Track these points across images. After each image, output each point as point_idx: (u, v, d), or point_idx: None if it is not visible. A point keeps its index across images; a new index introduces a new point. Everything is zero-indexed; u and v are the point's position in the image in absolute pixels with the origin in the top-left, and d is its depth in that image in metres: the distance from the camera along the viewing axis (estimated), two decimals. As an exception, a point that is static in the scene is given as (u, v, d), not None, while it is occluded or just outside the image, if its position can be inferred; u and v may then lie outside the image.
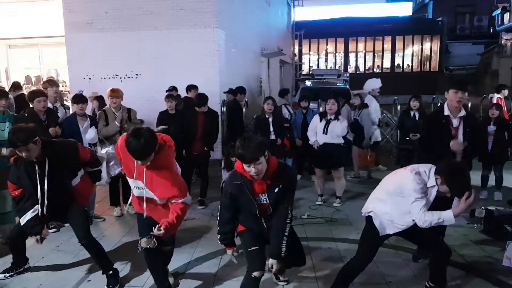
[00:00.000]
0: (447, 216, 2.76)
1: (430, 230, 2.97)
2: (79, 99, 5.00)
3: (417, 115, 6.40)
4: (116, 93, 5.19)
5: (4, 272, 3.70)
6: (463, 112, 3.68)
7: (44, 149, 3.32)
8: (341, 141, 5.57)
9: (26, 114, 4.64)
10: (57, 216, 3.74)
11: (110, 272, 3.59)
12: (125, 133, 3.09)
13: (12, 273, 3.71)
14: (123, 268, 3.89)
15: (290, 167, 3.17)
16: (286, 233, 2.88)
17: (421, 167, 2.92)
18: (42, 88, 5.31)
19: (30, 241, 4.52)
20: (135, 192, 3.13)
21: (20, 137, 3.16)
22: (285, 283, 3.54)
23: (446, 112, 3.71)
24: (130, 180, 3.09)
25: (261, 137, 3.05)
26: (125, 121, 5.20)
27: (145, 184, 2.97)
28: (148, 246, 3.04)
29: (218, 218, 3.12)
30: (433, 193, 2.85)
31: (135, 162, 2.87)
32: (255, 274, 2.86)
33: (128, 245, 4.39)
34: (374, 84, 7.53)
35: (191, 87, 7.23)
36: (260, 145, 2.69)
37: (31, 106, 4.66)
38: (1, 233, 4.51)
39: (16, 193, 3.50)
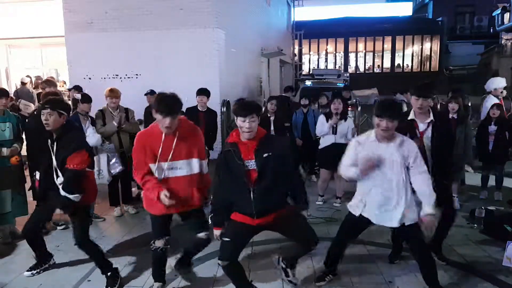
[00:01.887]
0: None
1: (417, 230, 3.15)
2: (88, 98, 5.03)
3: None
4: (114, 93, 5.22)
5: (30, 269, 3.77)
6: (431, 117, 3.58)
7: (61, 128, 3.40)
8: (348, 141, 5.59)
9: (35, 113, 4.75)
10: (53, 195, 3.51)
11: (109, 273, 3.58)
12: (140, 132, 3.22)
13: (39, 270, 3.79)
14: (123, 268, 3.89)
15: (280, 137, 3.20)
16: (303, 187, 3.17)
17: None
18: (40, 88, 5.38)
19: (30, 241, 4.54)
20: (163, 174, 3.11)
21: (50, 101, 3.41)
22: (294, 285, 3.43)
23: (411, 116, 3.65)
24: (162, 165, 3.09)
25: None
26: (123, 121, 5.22)
27: (173, 154, 3.08)
28: (164, 247, 3.26)
29: (211, 197, 3.20)
30: (374, 147, 3.09)
31: (172, 144, 3.06)
32: (219, 262, 3.03)
33: (128, 245, 4.39)
34: (497, 83, 6.94)
35: (289, 88, 7.79)
36: (258, 106, 2.96)
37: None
38: (1, 233, 4.51)
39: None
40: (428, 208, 3.04)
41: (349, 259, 3.79)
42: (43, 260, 3.86)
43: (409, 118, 3.64)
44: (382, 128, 2.96)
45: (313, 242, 3.09)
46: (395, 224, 3.15)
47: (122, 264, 3.97)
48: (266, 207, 2.96)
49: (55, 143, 3.42)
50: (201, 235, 3.32)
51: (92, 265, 3.92)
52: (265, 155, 2.87)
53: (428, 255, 3.24)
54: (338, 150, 5.45)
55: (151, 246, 3.28)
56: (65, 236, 4.68)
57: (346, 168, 3.24)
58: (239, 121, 2.86)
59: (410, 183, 3.11)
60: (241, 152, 2.90)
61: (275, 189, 2.95)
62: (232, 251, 3.03)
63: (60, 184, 3.38)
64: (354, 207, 3.31)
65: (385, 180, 3.08)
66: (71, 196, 3.33)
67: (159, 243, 3.24)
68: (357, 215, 3.27)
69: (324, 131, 5.54)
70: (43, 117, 3.37)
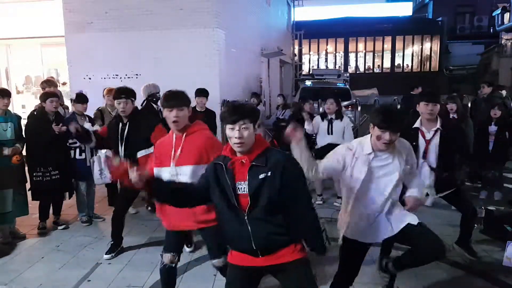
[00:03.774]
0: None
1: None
2: (82, 98, 5.04)
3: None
4: (112, 93, 5.26)
5: (108, 253, 4.11)
6: (438, 125, 3.56)
7: (131, 114, 3.94)
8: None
9: (35, 113, 4.77)
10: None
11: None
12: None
13: (114, 253, 4.13)
14: (122, 268, 3.90)
15: (285, 153, 2.40)
16: (319, 224, 2.31)
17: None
18: (41, 88, 5.41)
19: (29, 241, 4.55)
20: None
21: (124, 91, 3.93)
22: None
23: (417, 124, 3.64)
24: (164, 169, 2.84)
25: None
26: None
27: (178, 156, 2.79)
28: (172, 265, 3.00)
29: None
30: (371, 159, 2.65)
31: (173, 146, 2.84)
32: None
33: (128, 245, 4.39)
34: None
35: (416, 86, 7.96)
36: (251, 109, 2.27)
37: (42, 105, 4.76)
38: (1, 233, 4.51)
39: (100, 131, 4.21)
40: (413, 191, 2.83)
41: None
42: (117, 244, 4.19)
43: (414, 126, 3.63)
44: (384, 142, 2.57)
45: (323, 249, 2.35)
46: (394, 229, 2.75)
47: (122, 264, 3.98)
48: (268, 241, 2.20)
49: (126, 127, 3.91)
50: (215, 262, 2.95)
51: (92, 265, 3.93)
52: (261, 175, 2.14)
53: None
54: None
55: (160, 259, 3.06)
56: (65, 236, 4.69)
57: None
58: (227, 129, 2.18)
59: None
60: (234, 171, 2.21)
61: (276, 219, 2.19)
62: None
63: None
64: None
65: (379, 196, 2.70)
66: None
67: (165, 258, 2.99)
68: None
69: (309, 130, 5.70)
70: (120, 106, 3.88)
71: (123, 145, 3.92)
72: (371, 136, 2.67)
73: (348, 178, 2.71)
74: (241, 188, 2.19)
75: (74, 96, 5.24)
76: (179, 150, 2.81)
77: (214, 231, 2.65)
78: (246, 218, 2.18)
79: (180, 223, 2.89)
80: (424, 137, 3.59)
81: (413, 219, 2.73)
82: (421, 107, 3.58)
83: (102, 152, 4.89)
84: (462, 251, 3.96)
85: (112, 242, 4.18)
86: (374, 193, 2.70)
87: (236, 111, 2.18)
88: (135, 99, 4.05)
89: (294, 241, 2.25)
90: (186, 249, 4.12)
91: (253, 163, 2.17)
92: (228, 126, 2.18)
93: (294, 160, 2.38)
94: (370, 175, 2.66)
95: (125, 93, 3.94)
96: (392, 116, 2.58)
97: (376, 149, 2.65)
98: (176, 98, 2.82)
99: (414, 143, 3.44)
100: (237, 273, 2.33)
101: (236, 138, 2.14)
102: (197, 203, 2.50)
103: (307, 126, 5.75)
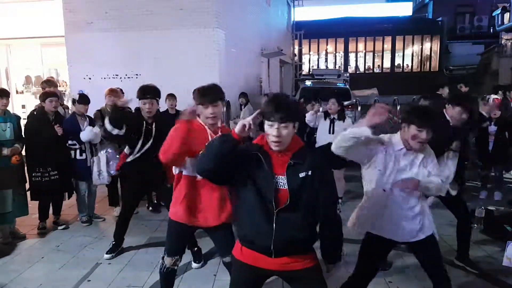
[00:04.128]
0: (359, 128, 2.44)
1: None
2: (84, 99, 5.04)
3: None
4: (114, 93, 5.28)
5: (108, 252, 4.10)
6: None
7: (157, 115, 3.84)
8: None
9: (35, 113, 4.77)
10: (147, 178, 3.92)
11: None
12: (183, 120, 2.79)
13: (115, 253, 4.12)
14: (122, 268, 3.89)
15: (321, 153, 2.40)
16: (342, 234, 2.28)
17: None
18: (41, 88, 5.42)
19: (29, 241, 4.55)
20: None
21: (150, 91, 3.75)
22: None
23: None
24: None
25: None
26: None
27: None
28: (175, 267, 2.93)
29: None
30: (401, 157, 2.62)
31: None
32: None
33: (128, 245, 4.39)
34: None
35: (442, 86, 7.76)
36: (296, 106, 2.15)
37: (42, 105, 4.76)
38: (1, 233, 4.51)
39: None
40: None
41: (349, 259, 3.79)
42: (118, 244, 4.19)
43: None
44: (420, 141, 2.51)
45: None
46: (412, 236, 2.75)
47: (122, 264, 3.98)
48: (288, 243, 2.08)
49: (153, 127, 3.77)
50: (227, 259, 2.81)
51: (92, 265, 3.93)
52: (301, 174, 2.06)
53: (444, 274, 2.91)
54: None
55: (160, 261, 2.96)
56: (65, 236, 4.69)
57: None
58: (266, 125, 2.07)
59: None
60: (271, 163, 2.09)
61: (305, 223, 2.09)
62: None
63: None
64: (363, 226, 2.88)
65: (401, 197, 2.67)
66: None
67: (167, 261, 2.88)
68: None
69: (310, 121, 5.83)
70: (145, 106, 3.72)
71: (144, 145, 3.74)
72: (400, 134, 2.63)
73: (375, 171, 2.66)
74: (279, 182, 2.08)
75: (77, 97, 5.23)
76: None
77: (230, 227, 2.70)
78: (275, 215, 2.05)
79: (206, 221, 2.78)
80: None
81: (434, 233, 2.80)
82: (449, 111, 3.54)
83: (103, 153, 4.90)
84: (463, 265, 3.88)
85: (113, 243, 4.19)
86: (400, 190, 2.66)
87: (280, 109, 2.03)
88: (159, 98, 3.88)
89: (311, 249, 2.19)
90: (194, 265, 3.91)
91: (293, 160, 2.08)
92: (267, 122, 2.06)
93: (328, 162, 2.25)
94: (397, 170, 2.63)
95: (151, 92, 3.74)
96: (429, 115, 2.56)
97: (408, 147, 2.60)
98: (210, 94, 2.71)
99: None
100: (243, 271, 2.22)
101: (274, 136, 2.03)
102: (226, 181, 2.25)
103: (308, 116, 5.83)
